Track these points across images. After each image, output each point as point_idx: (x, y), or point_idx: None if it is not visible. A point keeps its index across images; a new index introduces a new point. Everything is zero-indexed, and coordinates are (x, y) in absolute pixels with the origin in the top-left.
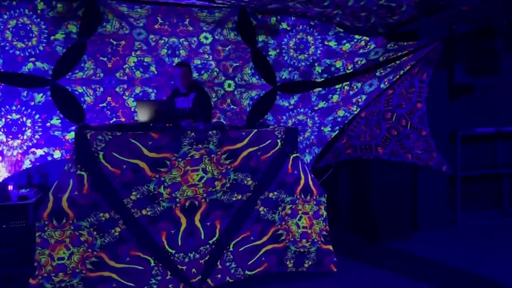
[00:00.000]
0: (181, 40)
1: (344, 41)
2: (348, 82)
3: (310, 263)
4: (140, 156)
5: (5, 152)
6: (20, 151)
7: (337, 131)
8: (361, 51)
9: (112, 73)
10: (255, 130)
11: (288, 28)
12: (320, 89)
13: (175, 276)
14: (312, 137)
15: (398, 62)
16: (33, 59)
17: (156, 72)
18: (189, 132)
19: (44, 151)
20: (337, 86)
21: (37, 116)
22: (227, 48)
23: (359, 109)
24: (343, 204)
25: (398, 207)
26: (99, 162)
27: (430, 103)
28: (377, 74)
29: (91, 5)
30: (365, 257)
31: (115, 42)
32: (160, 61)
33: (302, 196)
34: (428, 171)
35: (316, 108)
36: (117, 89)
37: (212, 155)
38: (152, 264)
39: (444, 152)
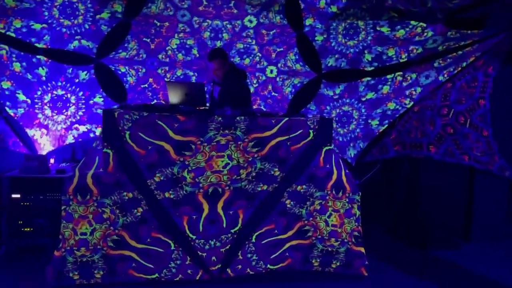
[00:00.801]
0: (224, 23)
1: (398, 27)
2: (401, 72)
3: (338, 263)
4: (165, 138)
5: (50, 126)
6: (64, 126)
7: (386, 125)
8: (416, 38)
9: (155, 54)
10: (286, 119)
11: (338, 12)
12: (369, 78)
13: (195, 262)
14: (358, 130)
15: (460, 52)
16: (78, 37)
17: (198, 55)
18: (216, 116)
19: (86, 128)
20: (388, 76)
21: (81, 93)
22: (271, 32)
23: (412, 102)
24: (389, 205)
25: (450, 213)
26: (125, 142)
27: (495, 101)
28: (435, 65)
29: None
30: (405, 264)
31: (158, 24)
32: (202, 44)
33: (334, 192)
34: (487, 176)
35: (363, 99)
36: (159, 71)
37: (239, 142)
38: (172, 247)
39: (508, 156)
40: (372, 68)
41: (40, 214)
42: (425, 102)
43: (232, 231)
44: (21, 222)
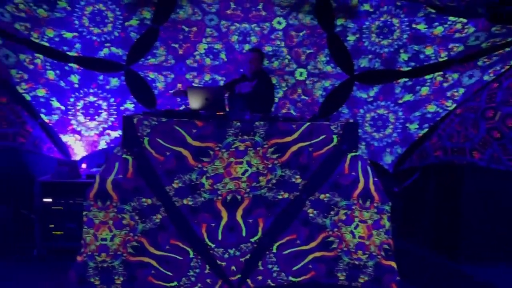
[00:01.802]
0: (252, 25)
1: (436, 23)
2: (441, 72)
3: (366, 278)
4: (183, 144)
5: (83, 132)
6: (97, 132)
7: (426, 129)
8: (456, 35)
9: (183, 60)
10: (308, 123)
11: (371, 10)
12: (406, 79)
13: (214, 271)
14: (395, 134)
15: (507, 49)
16: (108, 44)
17: (225, 60)
18: (234, 122)
19: (118, 134)
20: (427, 77)
21: (112, 99)
22: (301, 34)
23: (455, 104)
24: (427, 215)
25: (493, 225)
26: (144, 148)
27: None
28: (479, 63)
29: None
30: (440, 279)
31: (187, 29)
32: (230, 48)
33: (360, 201)
34: None
35: (400, 101)
36: (187, 76)
37: (258, 148)
38: (191, 255)
39: None
40: (409, 68)
41: (70, 218)
42: (468, 104)
43: (252, 240)
44: (53, 225)
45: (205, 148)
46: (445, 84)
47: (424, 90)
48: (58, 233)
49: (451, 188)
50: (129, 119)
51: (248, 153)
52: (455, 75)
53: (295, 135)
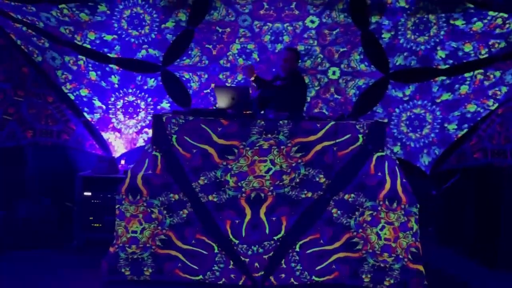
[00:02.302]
0: (285, 25)
1: (475, 19)
2: (482, 70)
3: (392, 281)
4: (209, 142)
5: (122, 130)
6: (135, 130)
7: (465, 130)
8: (497, 31)
9: (216, 60)
10: (332, 122)
11: (406, 6)
12: (443, 78)
13: (238, 267)
14: (432, 135)
15: None
16: (146, 46)
17: (258, 59)
18: (258, 120)
19: None
20: (466, 75)
21: (150, 99)
22: (334, 32)
23: (497, 103)
24: (466, 220)
25: None
26: (172, 145)
27: None
28: None
29: None
30: (474, 286)
31: (220, 30)
32: (262, 47)
33: (387, 202)
34: None
35: (438, 100)
36: (221, 76)
37: (282, 147)
38: (216, 250)
39: None
40: (447, 66)
41: (108, 211)
42: (510, 104)
43: (275, 238)
44: (91, 218)
45: (230, 146)
46: (486, 83)
47: (464, 89)
48: (97, 225)
49: (491, 193)
50: (158, 118)
51: (272, 151)
52: (497, 73)
53: (320, 134)
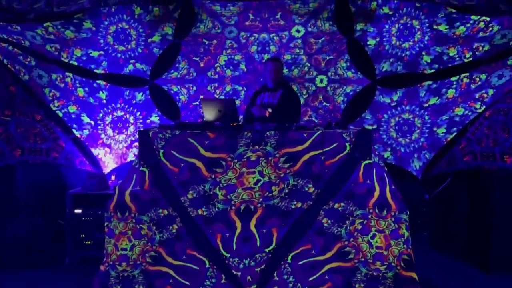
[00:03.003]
0: (271, 35)
1: (458, 23)
2: (467, 74)
3: None
4: (196, 155)
5: (112, 145)
6: (125, 145)
7: (454, 133)
8: (480, 34)
9: (204, 72)
10: (319, 132)
11: (390, 13)
12: (430, 82)
13: (230, 281)
14: (422, 139)
15: None
16: (133, 60)
17: (245, 70)
18: (245, 132)
19: None
20: (452, 79)
21: (138, 113)
22: (320, 41)
23: (484, 106)
24: (459, 223)
25: None
26: (159, 160)
27: None
28: (509, 62)
29: (186, 6)
30: None
31: (207, 42)
32: (250, 58)
33: (377, 210)
34: None
35: (425, 105)
36: (209, 88)
37: (270, 158)
38: (207, 265)
39: None
40: (433, 70)
41: (99, 228)
42: (497, 106)
43: (267, 250)
44: (83, 235)
45: (218, 159)
46: (472, 86)
47: (451, 93)
48: (88, 242)
49: (482, 196)
50: (145, 133)
51: (260, 163)
52: (483, 76)
53: (307, 144)
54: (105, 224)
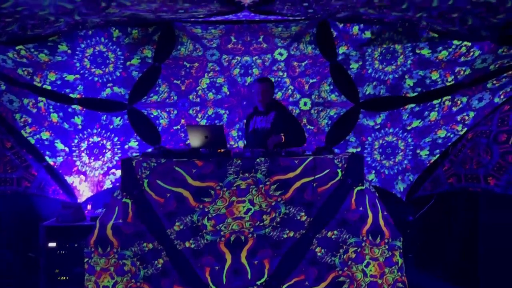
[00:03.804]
0: (254, 58)
1: (440, 48)
2: (449, 97)
3: None
4: (183, 185)
5: (88, 172)
6: (101, 172)
7: (437, 155)
8: (462, 59)
9: (186, 95)
10: (311, 158)
11: (373, 37)
12: (413, 105)
13: None
14: (406, 161)
15: None
16: (110, 84)
17: (228, 93)
18: (235, 159)
19: None
20: (435, 102)
21: (116, 138)
22: (303, 64)
23: (466, 128)
24: (445, 245)
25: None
26: (143, 190)
27: None
28: (489, 86)
29: (167, 29)
30: None
31: (188, 65)
32: (232, 81)
33: (370, 238)
34: None
35: (408, 127)
36: (190, 111)
37: (260, 185)
38: None
39: None
40: (415, 93)
41: (75, 263)
42: (479, 129)
43: (258, 283)
44: (58, 270)
45: (206, 188)
46: (454, 108)
47: (433, 115)
48: (64, 278)
49: (467, 217)
50: (128, 162)
51: (250, 191)
52: (464, 99)
53: (298, 171)
54: (85, 260)
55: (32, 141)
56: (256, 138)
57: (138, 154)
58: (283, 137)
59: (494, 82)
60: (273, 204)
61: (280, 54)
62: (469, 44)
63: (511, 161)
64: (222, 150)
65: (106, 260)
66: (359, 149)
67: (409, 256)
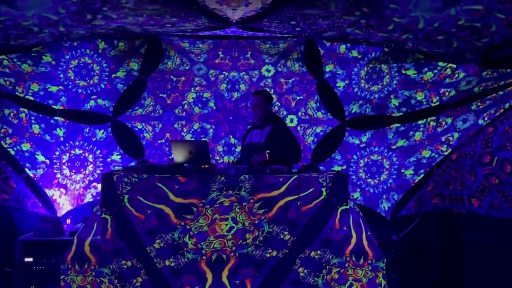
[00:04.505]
0: (241, 74)
1: (425, 69)
2: (434, 117)
3: None
4: (165, 201)
5: (68, 185)
6: (82, 185)
7: (422, 175)
8: (447, 80)
9: (171, 109)
10: (295, 176)
11: (359, 56)
12: (398, 125)
13: None
14: (390, 180)
15: (501, 93)
16: (94, 96)
17: (214, 108)
18: (218, 176)
19: None
20: (420, 122)
21: (98, 151)
22: (290, 81)
23: (450, 149)
24: (429, 265)
25: (498, 281)
26: (123, 206)
27: None
28: (473, 107)
29: (154, 42)
30: None
31: (175, 79)
32: (219, 96)
33: (354, 258)
34: None
35: (394, 147)
36: (176, 126)
37: (244, 203)
38: None
39: None
40: (401, 113)
41: (52, 279)
42: (463, 150)
43: None
44: (33, 287)
45: (188, 205)
46: (439, 129)
47: (418, 135)
48: None
49: (451, 238)
50: (108, 177)
51: (234, 209)
52: (449, 120)
53: (282, 189)
54: (61, 277)
55: (12, 152)
56: (250, 153)
57: (120, 168)
58: (267, 155)
59: (479, 104)
60: (256, 222)
61: (268, 70)
62: (454, 66)
63: (494, 182)
64: (206, 166)
65: (83, 278)
66: (344, 167)
67: (393, 276)
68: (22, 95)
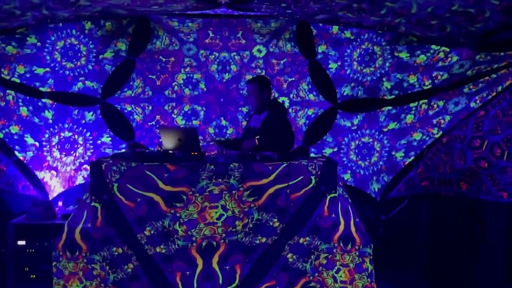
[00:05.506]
0: (232, 54)
1: (418, 52)
2: (426, 100)
3: None
4: (155, 189)
5: (59, 168)
6: (73, 167)
7: (412, 158)
8: (440, 64)
9: (161, 91)
10: (285, 164)
11: (352, 37)
12: (390, 107)
13: None
14: (381, 162)
15: (494, 76)
16: (82, 78)
17: (205, 89)
18: (208, 164)
19: None
20: (411, 105)
21: (88, 134)
22: (282, 62)
23: (441, 132)
24: (420, 247)
25: (486, 260)
26: (113, 194)
27: None
28: (465, 90)
29: (142, 22)
30: None
31: (164, 59)
32: (209, 77)
33: (341, 244)
34: None
35: (385, 129)
36: (166, 107)
37: (233, 191)
38: None
39: None
40: (393, 96)
41: (45, 261)
42: (454, 133)
43: None
44: (27, 269)
45: (178, 193)
46: (430, 112)
47: (409, 118)
48: (33, 276)
49: (442, 222)
50: (97, 165)
51: (223, 196)
52: (441, 103)
53: (272, 177)
54: (53, 264)
55: (1, 136)
56: (247, 137)
57: (111, 149)
58: (256, 140)
59: (471, 87)
60: (246, 210)
61: (259, 51)
62: (447, 49)
63: (483, 166)
64: (195, 153)
65: (75, 264)
66: (335, 149)
67: (381, 254)
68: (8, 77)
